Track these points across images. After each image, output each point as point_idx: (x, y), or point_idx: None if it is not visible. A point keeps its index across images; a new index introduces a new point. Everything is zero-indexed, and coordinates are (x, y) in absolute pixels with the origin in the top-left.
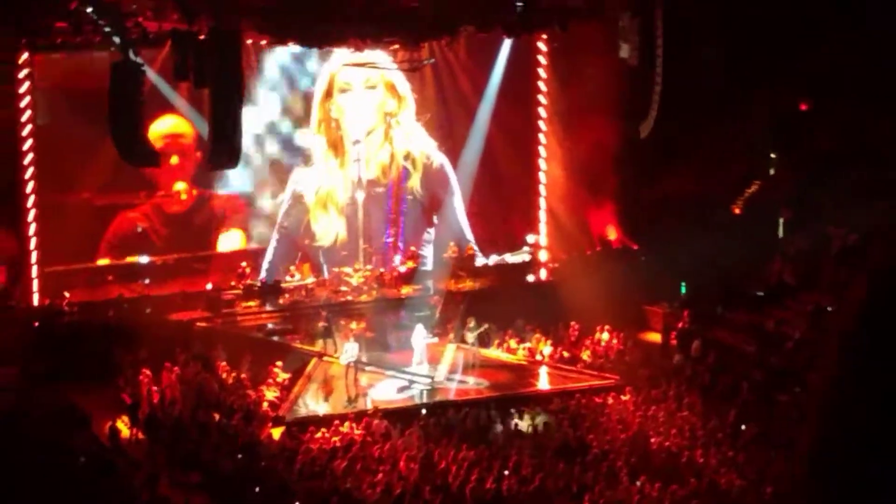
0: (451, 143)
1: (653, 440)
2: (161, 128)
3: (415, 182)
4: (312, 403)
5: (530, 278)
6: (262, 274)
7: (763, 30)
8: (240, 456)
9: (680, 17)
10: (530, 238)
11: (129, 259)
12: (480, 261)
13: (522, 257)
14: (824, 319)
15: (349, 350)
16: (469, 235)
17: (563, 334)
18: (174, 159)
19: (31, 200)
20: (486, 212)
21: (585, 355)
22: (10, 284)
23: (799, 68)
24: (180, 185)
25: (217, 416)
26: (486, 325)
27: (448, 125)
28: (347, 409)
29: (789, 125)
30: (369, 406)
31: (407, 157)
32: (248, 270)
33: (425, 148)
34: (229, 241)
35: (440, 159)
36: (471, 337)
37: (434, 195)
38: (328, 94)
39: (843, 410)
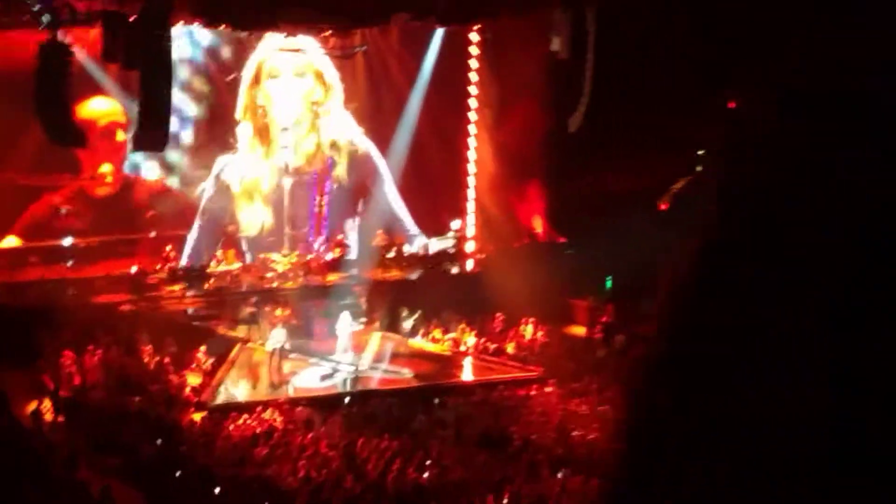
0: (382, 131)
1: (575, 433)
2: (103, 107)
3: (340, 171)
4: (235, 390)
5: (455, 270)
6: (184, 260)
7: (698, 27)
8: (161, 441)
9: (612, 13)
10: (455, 224)
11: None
12: (408, 248)
13: (447, 243)
14: None
15: (276, 336)
16: (409, 223)
17: (488, 326)
18: (120, 135)
19: None
20: (414, 201)
21: (510, 347)
22: None
23: (730, 65)
24: (106, 168)
25: (139, 401)
26: (419, 312)
27: (378, 113)
28: (270, 396)
29: (717, 122)
30: (291, 393)
31: (333, 145)
32: (172, 254)
33: (352, 136)
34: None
35: (367, 147)
36: (408, 325)
37: (361, 183)
38: (256, 80)
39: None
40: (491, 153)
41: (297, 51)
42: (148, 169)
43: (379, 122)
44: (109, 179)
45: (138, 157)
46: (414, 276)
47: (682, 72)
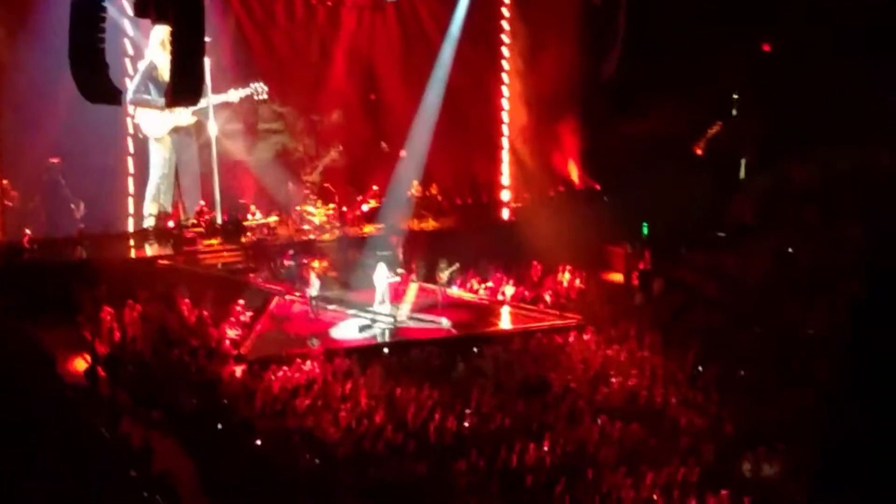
0: (415, 82)
1: (613, 379)
2: None
3: None
4: (274, 342)
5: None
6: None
7: None
8: (201, 394)
9: None
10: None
11: None
12: None
13: None
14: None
15: (313, 287)
16: None
17: (525, 274)
18: None
19: None
20: (449, 152)
21: (547, 295)
22: None
23: (765, 10)
24: None
25: (179, 354)
26: (456, 265)
27: (410, 64)
28: (309, 348)
29: (753, 66)
30: (328, 344)
31: None
32: (207, 208)
33: None
34: None
35: None
36: (443, 276)
37: None
38: None
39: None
40: (524, 102)
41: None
42: None
43: (411, 73)
44: None
45: None
46: (450, 226)
47: (716, 15)
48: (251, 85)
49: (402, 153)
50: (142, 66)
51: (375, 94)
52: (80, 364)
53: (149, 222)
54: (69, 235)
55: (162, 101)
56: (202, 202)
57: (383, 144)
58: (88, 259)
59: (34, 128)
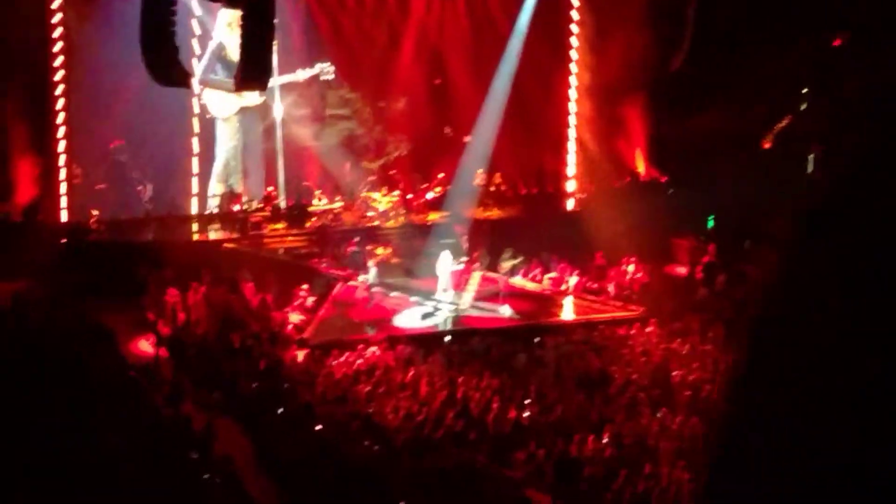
0: (483, 72)
1: (675, 373)
2: None
3: None
4: (336, 327)
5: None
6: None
7: None
8: (263, 378)
9: None
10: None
11: None
12: None
13: None
14: None
15: (371, 274)
16: None
17: (588, 265)
18: None
19: (60, 116)
20: (515, 141)
21: (611, 287)
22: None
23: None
24: None
25: (242, 338)
26: (521, 258)
27: (479, 54)
28: (371, 334)
29: (823, 60)
30: (394, 332)
31: None
32: (274, 193)
33: None
34: None
35: None
36: (506, 266)
37: None
38: None
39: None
40: (591, 92)
41: None
42: None
43: (479, 62)
44: None
45: None
46: (514, 215)
47: (786, 8)
48: (317, 65)
49: (466, 139)
50: (210, 46)
51: (442, 81)
52: (144, 345)
53: (213, 202)
54: (136, 217)
55: (230, 81)
56: (271, 188)
57: (447, 129)
58: (154, 241)
59: (104, 109)
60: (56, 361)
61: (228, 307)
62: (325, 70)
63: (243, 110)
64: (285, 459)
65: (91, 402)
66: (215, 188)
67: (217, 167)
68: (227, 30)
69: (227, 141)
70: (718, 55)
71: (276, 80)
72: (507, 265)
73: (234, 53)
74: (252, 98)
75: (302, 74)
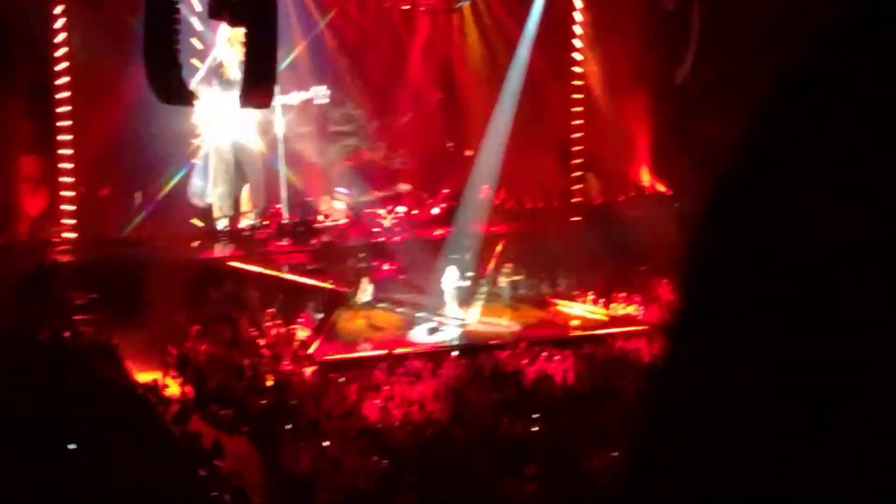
0: (490, 85)
1: None
2: None
3: None
4: (343, 343)
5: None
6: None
7: None
8: (271, 394)
9: None
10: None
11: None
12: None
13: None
14: None
15: (365, 293)
16: None
17: (595, 279)
18: None
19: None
20: (522, 156)
21: (620, 306)
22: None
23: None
24: None
25: (249, 354)
26: (520, 277)
27: (483, 68)
28: (377, 351)
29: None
30: (400, 347)
31: None
32: (279, 209)
33: None
34: None
35: None
36: (503, 282)
37: None
38: None
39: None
40: (596, 106)
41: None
42: None
43: (485, 77)
44: None
45: None
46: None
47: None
48: (312, 89)
49: (468, 153)
50: (207, 62)
51: (447, 96)
52: (150, 362)
53: (216, 214)
54: (139, 234)
55: (225, 96)
56: (279, 205)
57: (449, 144)
58: (159, 258)
59: (109, 125)
60: (66, 380)
61: (235, 324)
62: (321, 94)
63: (242, 125)
64: (293, 475)
65: (98, 420)
66: (217, 202)
67: (217, 182)
68: (226, 45)
69: (226, 156)
70: (722, 68)
71: (275, 100)
72: (504, 280)
73: (232, 70)
74: (250, 113)
75: (295, 98)
